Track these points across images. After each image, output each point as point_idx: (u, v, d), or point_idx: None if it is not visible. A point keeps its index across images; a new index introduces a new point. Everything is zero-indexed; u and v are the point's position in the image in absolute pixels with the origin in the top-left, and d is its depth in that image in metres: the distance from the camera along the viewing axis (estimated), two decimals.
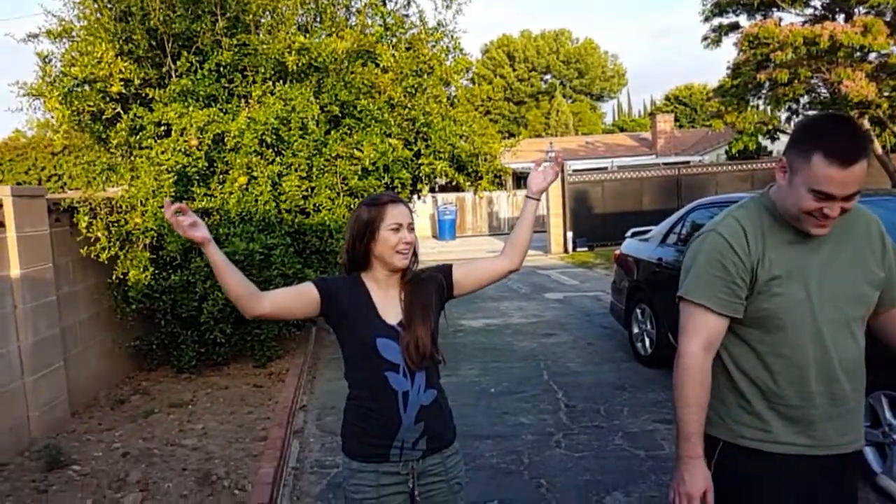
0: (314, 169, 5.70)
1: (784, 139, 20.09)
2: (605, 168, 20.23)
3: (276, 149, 5.60)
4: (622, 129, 41.50)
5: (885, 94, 14.25)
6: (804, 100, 16.35)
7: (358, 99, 6.03)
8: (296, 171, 5.58)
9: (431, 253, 16.94)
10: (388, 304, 1.97)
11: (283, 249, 5.27)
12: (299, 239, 5.72)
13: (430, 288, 2.03)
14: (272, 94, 5.62)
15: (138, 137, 5.49)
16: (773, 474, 1.78)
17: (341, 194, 5.77)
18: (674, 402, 1.81)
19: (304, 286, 1.97)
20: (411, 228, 1.96)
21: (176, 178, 5.22)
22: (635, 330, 6.32)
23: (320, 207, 5.75)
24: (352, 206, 5.90)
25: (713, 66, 79.23)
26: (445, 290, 2.07)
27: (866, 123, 14.90)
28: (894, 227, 4.25)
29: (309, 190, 5.75)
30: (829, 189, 1.64)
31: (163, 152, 5.23)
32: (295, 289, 1.98)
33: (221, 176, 5.52)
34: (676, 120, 35.55)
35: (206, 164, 5.43)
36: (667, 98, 45.66)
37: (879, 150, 15.41)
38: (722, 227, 1.82)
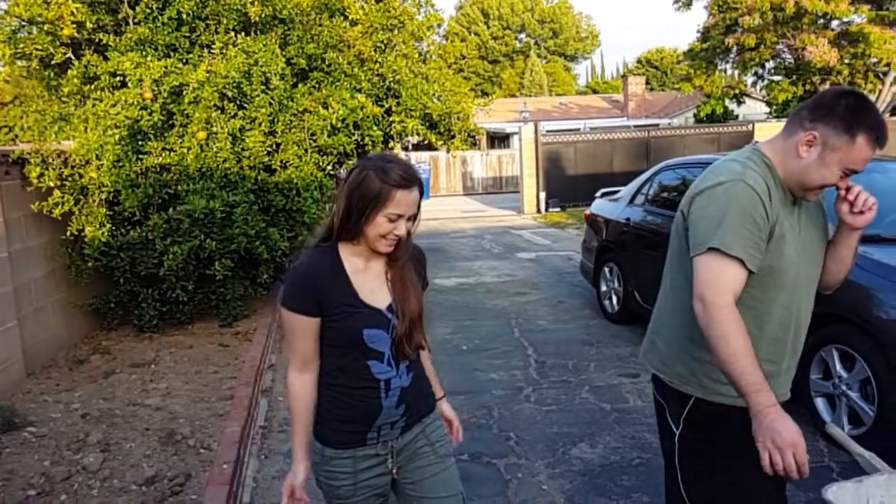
0: (279, 124, 5.52)
1: (750, 103, 20.31)
2: (578, 129, 20.21)
3: (238, 103, 5.40)
4: (595, 91, 41.44)
5: (846, 60, 14.43)
6: (770, 65, 16.48)
7: (325, 52, 5.84)
8: (259, 126, 5.40)
9: None
10: (372, 282, 1.75)
11: (247, 207, 5.12)
12: (263, 197, 5.55)
13: (418, 270, 1.86)
14: (234, 45, 5.40)
15: (92, 87, 5.25)
16: (739, 426, 1.78)
17: (309, 151, 5.62)
18: (723, 360, 1.63)
19: (299, 323, 1.71)
20: (412, 217, 1.71)
21: (126, 133, 5.00)
22: (603, 288, 6.38)
23: (287, 164, 5.59)
24: (321, 163, 5.74)
25: (684, 29, 79.04)
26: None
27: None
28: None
29: (274, 146, 5.58)
30: (858, 168, 1.68)
31: (113, 105, 5.00)
32: (301, 334, 1.72)
33: (181, 129, 5.31)
34: (648, 83, 35.57)
35: (164, 117, 5.22)
36: (638, 61, 45.63)
37: None
38: (749, 179, 1.72)
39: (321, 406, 1.80)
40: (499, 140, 27.18)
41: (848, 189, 1.75)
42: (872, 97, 15.32)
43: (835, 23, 14.67)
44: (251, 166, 5.40)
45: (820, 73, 14.80)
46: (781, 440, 1.55)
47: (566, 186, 15.89)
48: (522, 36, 44.93)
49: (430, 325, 6.20)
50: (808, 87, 15.33)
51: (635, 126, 20.40)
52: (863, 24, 13.68)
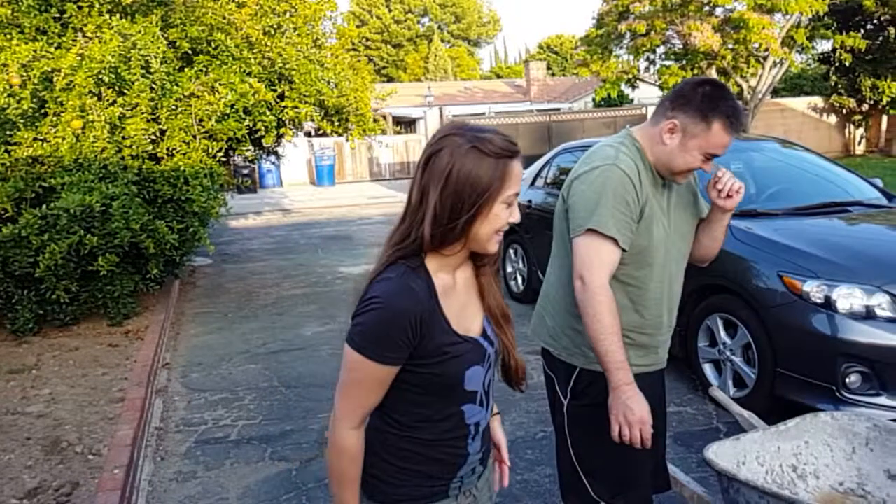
0: (163, 110, 5.22)
1: (644, 88, 21.21)
2: (483, 114, 20.43)
3: (117, 89, 5.07)
4: (499, 76, 42.00)
5: (730, 46, 15.30)
6: (660, 50, 17.24)
7: (211, 35, 5.57)
8: (140, 113, 5.08)
9: (311, 200, 16.51)
10: (462, 302, 1.36)
11: (127, 199, 4.79)
12: (149, 187, 5.25)
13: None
14: (110, 28, 5.05)
15: None
16: None
17: (198, 137, 5.36)
18: (593, 336, 1.76)
19: (379, 374, 1.28)
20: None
21: None
22: (509, 269, 6.51)
23: (174, 152, 5.31)
24: (210, 149, 5.48)
25: (582, 16, 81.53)
26: None
27: (713, 73, 15.97)
28: (722, 162, 4.72)
29: (158, 133, 5.28)
30: (719, 152, 1.82)
31: None
32: (377, 386, 1.31)
33: (54, 118, 4.93)
34: (549, 68, 36.38)
35: (35, 105, 4.83)
36: (540, 46, 46.63)
37: None
38: (622, 164, 1.84)
39: (388, 464, 1.39)
40: (405, 125, 27.06)
41: (718, 177, 1.90)
42: (754, 81, 16.33)
43: (719, 10, 15.48)
44: (133, 155, 5.09)
45: (706, 57, 15.61)
46: (633, 416, 1.71)
47: None
48: (425, 20, 44.84)
49: (336, 315, 6.09)
50: (696, 71, 16.12)
51: (538, 110, 20.84)
52: (743, 12, 14.49)
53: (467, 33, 45.78)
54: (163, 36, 5.23)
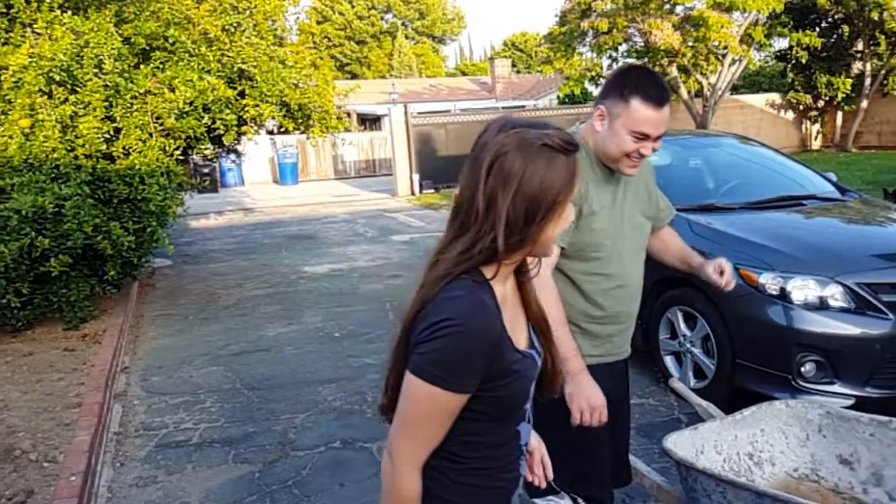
0: (118, 108, 5.09)
1: None
2: (449, 111, 20.39)
3: (68, 87, 4.92)
4: (464, 73, 42.02)
5: (690, 44, 15.57)
6: (622, 48, 17.45)
7: (167, 30, 5.44)
8: (94, 111, 4.94)
9: (274, 198, 16.31)
10: (511, 314, 1.26)
11: (80, 200, 4.66)
12: (104, 187, 5.11)
13: None
14: (62, 24, 4.90)
15: None
16: None
17: (154, 135, 5.23)
18: None
19: (452, 404, 1.16)
20: None
21: None
22: None
23: (129, 150, 5.17)
24: (167, 147, 5.36)
25: (546, 13, 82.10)
26: None
27: (674, 71, 16.23)
28: (682, 158, 4.80)
29: (113, 132, 5.14)
30: (646, 129, 1.86)
31: None
32: (447, 418, 1.18)
33: (1, 117, 4.77)
34: (514, 65, 36.54)
35: None
36: (505, 44, 46.82)
37: (685, 96, 16.92)
38: None
39: (446, 501, 1.25)
40: (370, 122, 26.92)
41: (721, 276, 2.06)
42: (714, 78, 16.64)
43: (679, 8, 15.73)
44: (87, 155, 4.94)
45: (667, 55, 15.85)
46: (591, 402, 1.82)
47: (439, 167, 16.01)
48: (389, 16, 44.62)
49: (301, 314, 6.03)
50: (657, 69, 16.38)
51: (504, 108, 20.94)
52: (703, 10, 14.75)
53: (432, 30, 45.71)
54: (117, 32, 5.09)
